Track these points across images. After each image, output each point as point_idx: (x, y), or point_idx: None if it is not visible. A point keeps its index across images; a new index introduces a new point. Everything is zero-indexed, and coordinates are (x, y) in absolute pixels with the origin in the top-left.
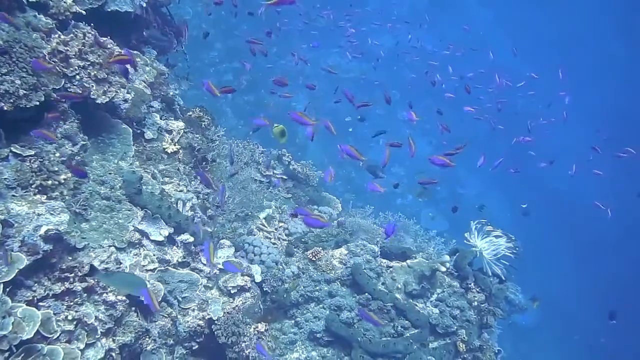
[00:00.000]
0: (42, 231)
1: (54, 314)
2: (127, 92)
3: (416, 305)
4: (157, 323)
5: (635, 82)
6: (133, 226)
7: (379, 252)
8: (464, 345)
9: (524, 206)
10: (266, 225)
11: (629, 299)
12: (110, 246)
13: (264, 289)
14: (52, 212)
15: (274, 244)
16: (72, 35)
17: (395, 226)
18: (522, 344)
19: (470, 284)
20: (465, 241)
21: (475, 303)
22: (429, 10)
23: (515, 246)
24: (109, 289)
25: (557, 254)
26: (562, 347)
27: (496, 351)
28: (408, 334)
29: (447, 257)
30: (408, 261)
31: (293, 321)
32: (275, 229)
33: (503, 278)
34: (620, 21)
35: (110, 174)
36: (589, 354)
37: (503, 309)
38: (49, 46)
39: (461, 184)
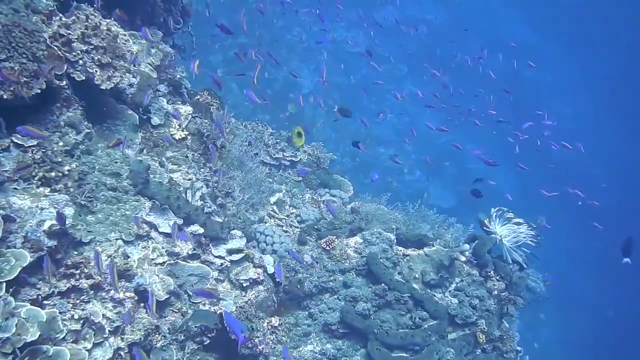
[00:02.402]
0: (45, 226)
1: (60, 312)
2: (133, 77)
3: (434, 296)
4: (167, 319)
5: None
6: (141, 218)
7: (395, 240)
8: (483, 335)
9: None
10: (277, 212)
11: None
12: (117, 239)
13: (276, 280)
14: (56, 206)
15: (285, 232)
16: (74, 17)
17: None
18: (528, 319)
19: (489, 272)
20: (484, 228)
21: (495, 292)
22: None
23: (537, 234)
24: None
25: (561, 227)
26: (568, 322)
27: (517, 340)
28: (426, 325)
29: (466, 246)
30: (425, 249)
31: (307, 312)
32: (287, 216)
33: (524, 265)
34: None
35: (116, 162)
36: (596, 327)
37: (524, 297)
38: (50, 29)
39: (470, 159)
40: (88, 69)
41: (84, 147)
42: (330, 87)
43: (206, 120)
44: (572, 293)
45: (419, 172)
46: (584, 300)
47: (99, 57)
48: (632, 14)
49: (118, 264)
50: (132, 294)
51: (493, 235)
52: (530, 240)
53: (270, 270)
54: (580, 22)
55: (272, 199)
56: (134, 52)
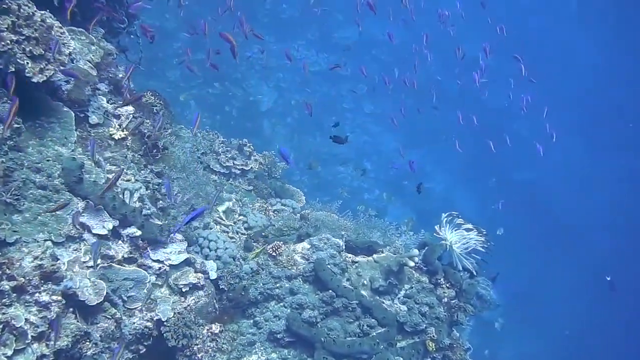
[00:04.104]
0: None
1: None
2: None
3: (383, 303)
4: (99, 325)
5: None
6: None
7: (344, 247)
8: (433, 344)
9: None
10: (224, 218)
11: (594, 289)
12: (45, 240)
13: (220, 287)
14: None
15: (231, 238)
16: (4, 6)
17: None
18: (488, 337)
19: (439, 279)
20: (434, 234)
21: (445, 299)
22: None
23: (487, 240)
24: (42, 288)
25: (522, 244)
26: (529, 339)
27: (466, 348)
28: (374, 333)
29: (415, 252)
30: (375, 255)
31: (252, 321)
32: (234, 223)
33: (474, 273)
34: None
35: (48, 160)
36: (557, 344)
37: (474, 305)
38: None
39: (428, 178)
40: (18, 60)
41: (12, 142)
42: (290, 104)
43: (148, 121)
44: (531, 309)
45: (377, 190)
46: (544, 317)
47: (31, 48)
48: (587, 32)
49: (45, 266)
50: (59, 297)
51: (443, 242)
52: (481, 246)
53: (213, 275)
54: (538, 43)
55: (221, 208)
56: (56, 42)
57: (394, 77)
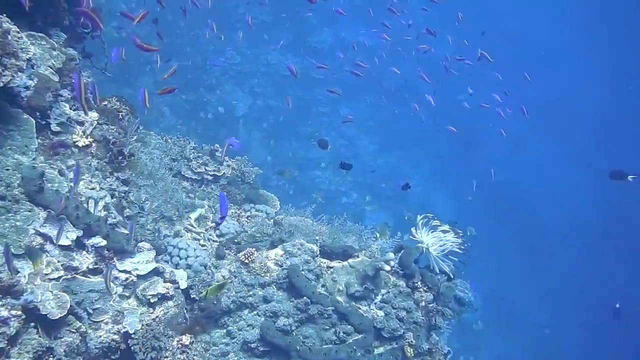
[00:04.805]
0: None
1: None
2: (29, 78)
3: (359, 308)
4: (62, 340)
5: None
6: (34, 229)
7: (319, 252)
8: (411, 349)
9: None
10: (195, 226)
11: (572, 288)
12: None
13: (192, 296)
14: None
15: (203, 245)
16: None
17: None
18: (468, 338)
19: (417, 282)
20: (410, 237)
21: (423, 303)
22: (368, 5)
23: (464, 241)
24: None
25: (500, 247)
26: (507, 340)
27: (445, 352)
28: (351, 340)
29: (391, 255)
30: (350, 260)
31: (225, 330)
32: (206, 230)
33: (451, 275)
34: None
35: (7, 170)
36: (535, 345)
37: (452, 308)
38: None
39: (405, 181)
40: None
41: None
42: (265, 110)
43: (113, 127)
44: (508, 310)
45: (355, 194)
46: (521, 318)
47: None
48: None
49: (3, 280)
50: (19, 312)
51: (419, 245)
52: (458, 248)
53: (183, 285)
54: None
55: (194, 215)
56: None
57: (370, 80)
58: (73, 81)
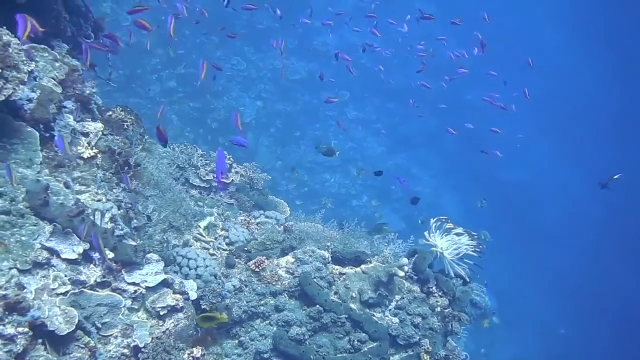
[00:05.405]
0: None
1: None
2: (32, 90)
3: (373, 315)
4: (71, 355)
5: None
6: (40, 243)
7: (330, 258)
8: (428, 356)
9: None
10: (204, 234)
11: (583, 288)
12: (11, 268)
13: (202, 306)
14: None
15: (212, 255)
16: None
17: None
18: (481, 337)
19: (431, 287)
20: (424, 241)
21: (439, 308)
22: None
23: (479, 244)
24: (6, 320)
25: (509, 246)
26: (522, 340)
27: (463, 358)
28: (366, 348)
29: (405, 260)
30: (363, 266)
31: (236, 341)
32: (215, 238)
33: (467, 279)
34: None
35: (11, 184)
36: (551, 345)
37: (469, 313)
38: None
39: (415, 182)
40: None
41: None
42: (272, 114)
43: (118, 138)
44: (521, 311)
45: (366, 197)
46: (535, 318)
47: None
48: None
49: (9, 297)
50: (26, 329)
51: (433, 249)
52: (472, 251)
53: (193, 296)
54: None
55: (203, 224)
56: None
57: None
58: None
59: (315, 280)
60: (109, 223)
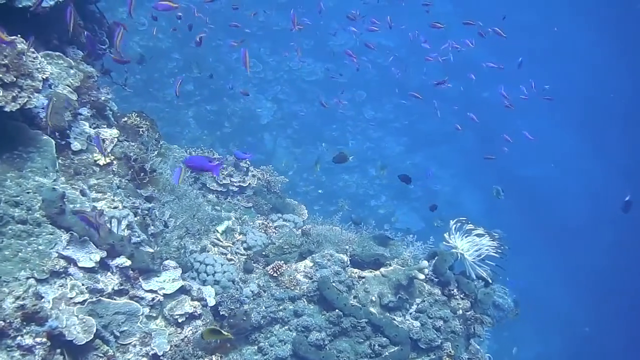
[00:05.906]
0: None
1: None
2: (47, 98)
3: (394, 319)
4: None
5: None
6: (57, 252)
7: (349, 262)
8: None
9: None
10: (221, 239)
11: (607, 286)
12: (28, 278)
13: (220, 313)
14: None
15: (230, 260)
16: None
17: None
18: (504, 335)
19: (452, 290)
20: (444, 242)
21: (460, 311)
22: (388, 7)
23: (501, 244)
24: (24, 330)
25: (531, 244)
26: (545, 339)
27: None
28: (387, 353)
29: (425, 263)
30: (382, 269)
31: (256, 347)
32: (232, 243)
33: (489, 281)
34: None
35: (28, 192)
36: (575, 343)
37: (491, 315)
38: None
39: (434, 181)
40: None
41: None
42: (289, 116)
43: (134, 144)
44: (545, 310)
45: (384, 197)
46: (559, 317)
47: (1, 75)
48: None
49: (27, 307)
50: (44, 339)
51: (454, 250)
52: (494, 252)
53: (211, 302)
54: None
55: (221, 228)
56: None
57: (394, 81)
58: None
59: (334, 284)
60: (125, 230)
